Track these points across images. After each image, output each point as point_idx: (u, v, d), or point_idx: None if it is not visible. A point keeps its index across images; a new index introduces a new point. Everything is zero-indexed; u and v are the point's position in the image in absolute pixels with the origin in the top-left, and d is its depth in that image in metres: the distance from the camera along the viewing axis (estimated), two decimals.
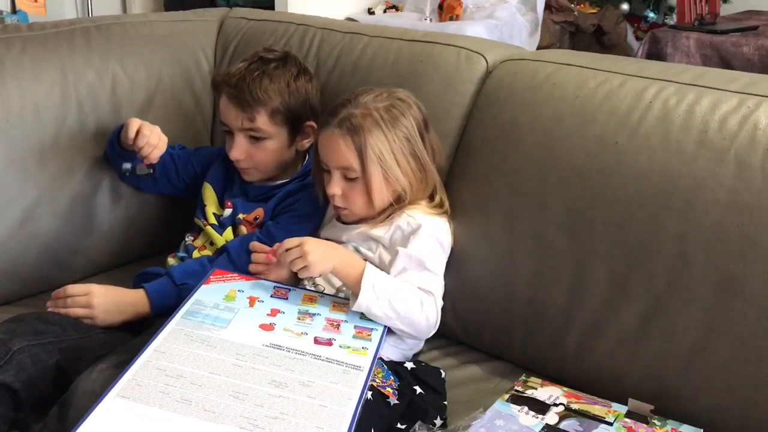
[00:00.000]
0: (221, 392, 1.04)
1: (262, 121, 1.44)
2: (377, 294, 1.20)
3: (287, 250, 1.23)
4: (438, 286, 1.30)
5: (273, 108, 1.44)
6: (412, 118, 1.32)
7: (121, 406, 1.01)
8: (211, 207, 1.54)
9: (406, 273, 1.27)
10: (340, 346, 1.15)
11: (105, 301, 1.32)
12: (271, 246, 1.39)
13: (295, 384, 1.06)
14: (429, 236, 1.31)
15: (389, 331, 1.24)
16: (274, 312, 1.21)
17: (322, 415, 1.02)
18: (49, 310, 1.33)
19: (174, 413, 1.00)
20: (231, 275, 1.30)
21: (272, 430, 0.98)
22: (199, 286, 1.26)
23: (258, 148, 1.46)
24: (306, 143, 1.50)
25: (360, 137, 1.28)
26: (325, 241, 1.31)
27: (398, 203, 1.34)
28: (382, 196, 1.32)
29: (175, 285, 1.36)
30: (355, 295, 1.21)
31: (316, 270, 1.22)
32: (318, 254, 1.21)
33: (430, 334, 1.31)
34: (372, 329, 1.20)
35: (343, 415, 1.02)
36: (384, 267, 1.30)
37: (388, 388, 1.18)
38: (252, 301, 1.24)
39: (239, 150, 1.46)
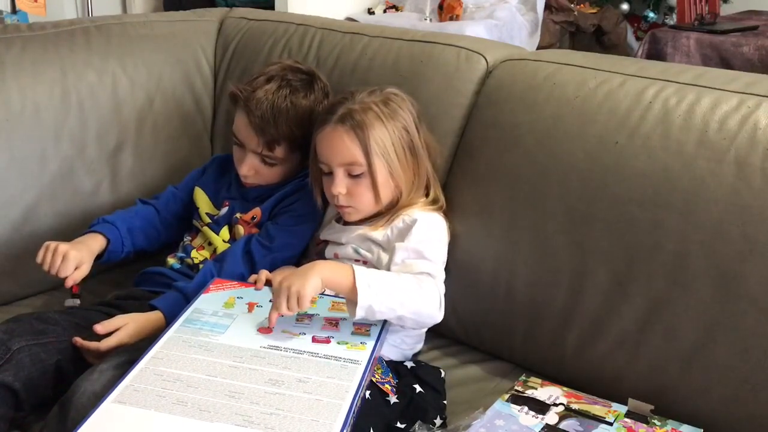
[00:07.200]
0: (217, 393, 1.04)
1: (280, 151, 1.44)
2: (375, 291, 1.16)
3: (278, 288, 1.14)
4: (437, 270, 1.27)
5: (293, 139, 1.44)
6: (407, 110, 1.33)
7: (117, 411, 1.01)
8: (204, 208, 1.54)
9: (404, 263, 1.26)
10: (338, 343, 1.15)
11: (136, 336, 1.27)
12: (270, 246, 1.41)
13: (292, 381, 1.06)
14: (425, 228, 1.30)
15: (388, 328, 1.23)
16: None
17: (317, 408, 1.01)
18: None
19: (170, 414, 1.00)
20: (230, 283, 1.30)
21: (267, 425, 0.98)
22: (199, 296, 1.27)
23: (269, 168, 1.47)
24: None
25: (364, 131, 1.28)
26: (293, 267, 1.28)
27: (397, 204, 1.34)
28: (387, 190, 1.32)
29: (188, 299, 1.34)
30: (352, 301, 1.15)
31: (307, 289, 1.13)
32: (295, 279, 1.13)
33: (437, 320, 1.24)
34: (371, 325, 1.20)
35: (339, 407, 1.02)
36: (382, 268, 1.30)
37: (387, 385, 1.18)
38: (251, 306, 1.24)
39: (249, 167, 1.46)
